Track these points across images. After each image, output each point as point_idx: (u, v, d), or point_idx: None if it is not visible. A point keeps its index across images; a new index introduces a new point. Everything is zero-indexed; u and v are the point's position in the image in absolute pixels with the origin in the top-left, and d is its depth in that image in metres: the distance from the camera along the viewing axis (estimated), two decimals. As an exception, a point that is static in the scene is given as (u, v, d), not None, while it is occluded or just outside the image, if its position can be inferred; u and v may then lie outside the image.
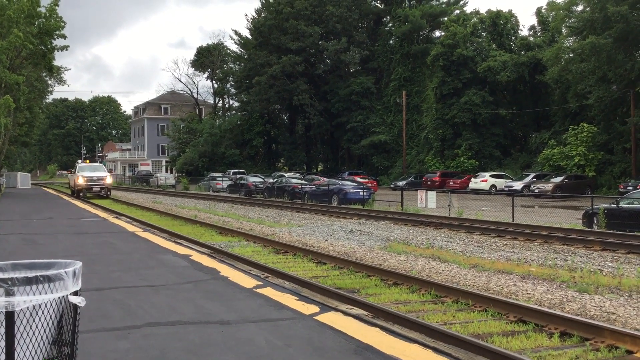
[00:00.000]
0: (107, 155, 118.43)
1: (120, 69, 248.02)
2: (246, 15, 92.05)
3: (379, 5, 71.39)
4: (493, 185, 44.14)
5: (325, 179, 39.99)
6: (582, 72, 42.87)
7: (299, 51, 66.24)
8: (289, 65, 65.01)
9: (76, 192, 38.09)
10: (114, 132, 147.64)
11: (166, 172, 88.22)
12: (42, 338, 2.73)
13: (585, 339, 6.77)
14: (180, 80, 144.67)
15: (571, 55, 44.34)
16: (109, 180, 39.66)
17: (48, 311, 2.74)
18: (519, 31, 57.56)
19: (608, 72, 41.11)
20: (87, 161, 47.80)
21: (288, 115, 77.30)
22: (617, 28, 38.37)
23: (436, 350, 5.06)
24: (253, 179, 47.90)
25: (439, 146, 55.66)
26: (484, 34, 56.38)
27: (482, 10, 59.79)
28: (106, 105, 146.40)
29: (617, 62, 39.81)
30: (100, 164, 44.62)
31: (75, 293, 2.89)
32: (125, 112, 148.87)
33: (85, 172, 38.70)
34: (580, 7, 45.63)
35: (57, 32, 37.69)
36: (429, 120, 57.33)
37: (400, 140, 59.57)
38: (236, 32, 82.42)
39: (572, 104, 45.83)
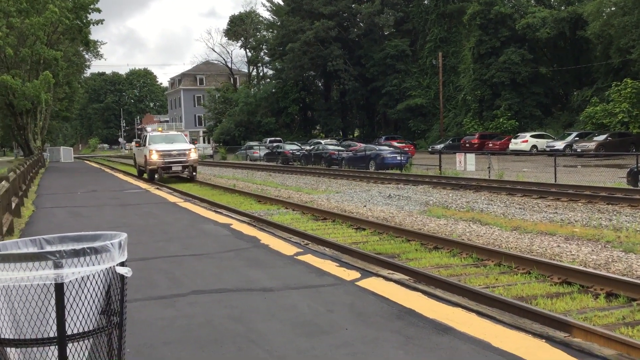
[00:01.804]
0: (146, 128, 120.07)
1: (154, 41, 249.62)
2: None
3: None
4: (534, 146, 43.29)
5: (362, 145, 39.77)
6: (625, 25, 41.28)
7: (332, 15, 65.42)
8: (322, 30, 64.34)
9: (149, 174, 26.77)
10: (151, 105, 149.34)
11: (204, 142, 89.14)
12: (91, 308, 2.80)
13: (632, 299, 6.65)
14: (214, 50, 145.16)
15: (613, 8, 42.72)
16: (193, 155, 27.28)
17: (96, 282, 2.80)
18: (559, -15, 55.62)
19: (653, 25, 39.51)
20: (160, 129, 35.45)
21: (323, 82, 76.82)
22: (663, -23, 36.71)
23: (479, 313, 5.03)
24: (290, 147, 47.96)
25: (477, 107, 54.69)
26: (522, -11, 54.68)
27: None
28: (143, 78, 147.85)
29: (663, 14, 38.21)
30: (179, 133, 31.81)
31: (122, 264, 2.94)
32: (161, 84, 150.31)
33: (160, 145, 26.87)
34: (623, -42, 43.76)
35: (91, 7, 37.99)
36: (466, 82, 56.27)
37: (437, 103, 58.74)
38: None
39: (615, 60, 44.32)
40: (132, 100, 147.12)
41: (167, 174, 26.67)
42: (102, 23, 39.46)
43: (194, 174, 27.29)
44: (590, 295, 6.98)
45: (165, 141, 27.43)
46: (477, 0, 53.59)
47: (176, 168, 26.51)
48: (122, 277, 2.94)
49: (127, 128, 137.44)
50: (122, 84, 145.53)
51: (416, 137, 62.40)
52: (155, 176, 26.23)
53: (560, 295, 7.05)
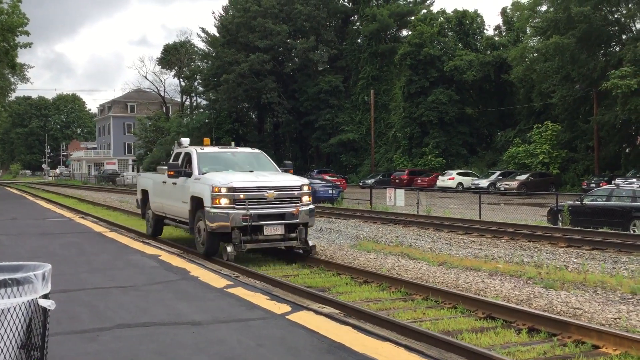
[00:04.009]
0: (72, 154, 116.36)
1: (83, 66, 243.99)
2: (213, 12, 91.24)
3: (346, 4, 71.55)
4: (460, 183, 44.65)
5: (295, 178, 39.67)
6: (546, 71, 43.66)
7: (267, 49, 65.99)
8: (257, 63, 64.73)
9: (206, 241, 11.94)
10: (78, 131, 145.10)
11: (133, 171, 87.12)
12: (10, 342, 2.67)
13: (552, 335, 6.89)
14: (146, 78, 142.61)
15: (535, 54, 45.12)
16: (306, 199, 12.32)
17: (17, 315, 2.69)
18: (485, 31, 58.33)
19: (571, 72, 41.92)
20: (207, 143, 15.17)
21: (256, 114, 76.94)
22: (580, 28, 39.15)
23: (408, 348, 5.10)
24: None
25: (406, 144, 56.06)
26: (450, 33, 56.95)
27: (449, 10, 60.44)
28: (70, 104, 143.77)
29: (580, 62, 40.64)
30: (257, 151, 14.64)
31: (45, 296, 2.84)
32: (90, 110, 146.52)
33: (233, 176, 12.19)
34: (544, 8, 46.47)
35: (19, 29, 36.86)
36: (396, 119, 57.69)
37: (369, 138, 59.81)
38: (203, 30, 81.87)
39: (537, 103, 46.62)
40: (58, 126, 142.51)
41: (255, 245, 11.83)
42: (30, 46, 38.28)
43: (310, 243, 12.31)
44: (513, 330, 7.19)
45: (237, 167, 13.21)
46: (408, 41, 55.44)
47: (274, 231, 11.84)
48: (45, 310, 2.84)
49: (51, 154, 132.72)
50: (48, 109, 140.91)
51: (348, 171, 63.23)
52: (229, 249, 11.40)
53: (484, 329, 7.23)
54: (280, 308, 6.46)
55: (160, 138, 75.94)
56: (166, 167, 13.80)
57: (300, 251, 12.42)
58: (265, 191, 11.62)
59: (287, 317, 6.10)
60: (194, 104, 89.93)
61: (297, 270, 11.55)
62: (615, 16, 42.57)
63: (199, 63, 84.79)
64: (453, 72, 50.72)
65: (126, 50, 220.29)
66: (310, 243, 12.21)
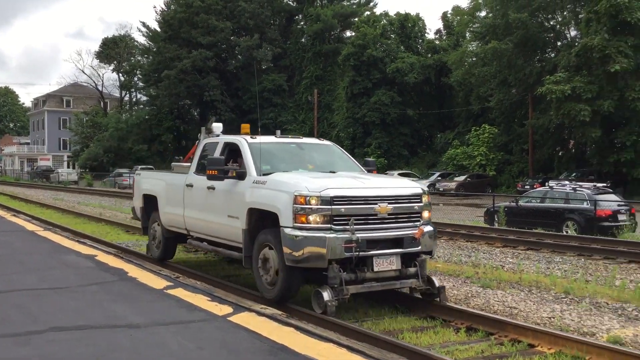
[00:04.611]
0: (3, 150, 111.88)
1: (17, 59, 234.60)
2: (155, 7, 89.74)
3: (291, 3, 71.50)
4: (401, 184, 45.26)
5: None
6: (484, 75, 44.85)
7: (210, 46, 65.23)
8: (200, 60, 63.90)
9: (283, 276, 7.59)
10: (11, 125, 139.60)
11: (68, 167, 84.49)
12: None
13: (490, 334, 7.06)
14: (84, 72, 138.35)
15: (474, 59, 46.26)
16: (427, 214, 8.19)
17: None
18: (426, 34, 59.34)
19: (508, 76, 43.23)
20: (246, 130, 9.96)
21: (199, 111, 75.85)
22: (518, 34, 40.41)
23: (350, 348, 5.12)
24: (162, 176, 46.62)
25: (349, 144, 56.42)
26: (392, 35, 57.66)
27: (392, 13, 61.16)
28: (3, 97, 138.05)
29: (517, 67, 41.95)
30: (331, 144, 10.22)
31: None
32: (23, 104, 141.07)
33: (322, 180, 7.78)
34: (483, 13, 47.73)
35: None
36: (340, 119, 58.03)
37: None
38: (144, 24, 79.94)
39: (475, 106, 47.80)
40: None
41: (360, 287, 7.57)
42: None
43: (435, 282, 8.09)
44: (452, 329, 7.33)
45: (309, 165, 9.27)
46: (351, 42, 55.83)
47: (387, 265, 7.66)
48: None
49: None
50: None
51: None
52: (325, 296, 7.19)
53: (424, 329, 7.33)
54: (221, 309, 6.37)
55: (98, 134, 73.94)
56: (188, 164, 10.37)
57: (418, 294, 8.19)
58: (375, 203, 7.52)
59: (228, 318, 6.02)
60: (134, 99, 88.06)
61: (241, 270, 11.41)
62: (551, 23, 44.18)
63: (139, 58, 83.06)
64: (395, 74, 51.40)
65: (63, 42, 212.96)
66: (436, 281, 8.04)
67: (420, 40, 58.08)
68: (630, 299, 8.67)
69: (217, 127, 10.24)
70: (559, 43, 44.24)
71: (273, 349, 5.01)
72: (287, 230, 7.31)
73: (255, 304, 6.89)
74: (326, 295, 7.14)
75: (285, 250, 7.32)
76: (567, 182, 22.64)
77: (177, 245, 11.33)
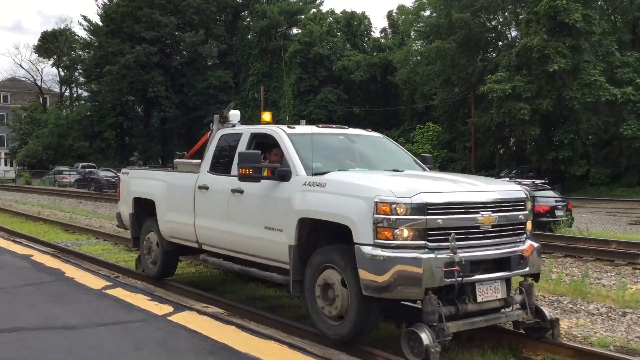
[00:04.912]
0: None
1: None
2: (96, 0, 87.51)
3: (237, -1, 71.05)
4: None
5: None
6: (429, 74, 45.62)
7: (154, 41, 64.09)
8: (143, 55, 62.70)
9: (356, 315, 5.77)
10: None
11: (6, 165, 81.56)
12: None
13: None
14: (22, 67, 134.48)
15: (419, 58, 46.99)
16: (529, 223, 6.51)
17: None
18: (372, 33, 59.91)
19: (452, 75, 44.09)
20: (268, 119, 8.98)
21: (142, 108, 74.48)
22: (461, 34, 41.25)
23: (291, 345, 5.12)
24: (104, 173, 45.72)
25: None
26: (339, 33, 57.98)
27: (338, 11, 61.56)
28: None
29: (460, 66, 42.82)
30: (383, 137, 8.45)
31: None
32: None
33: (406, 181, 6.26)
34: (427, 13, 48.50)
35: None
36: (286, 117, 57.93)
37: (258, 135, 59.64)
38: (85, 18, 77.62)
39: (420, 104, 48.56)
40: None
41: (462, 325, 5.75)
42: None
43: (546, 313, 6.33)
44: (394, 325, 7.38)
45: (365, 162, 7.51)
46: (298, 40, 55.86)
47: (492, 293, 5.94)
48: None
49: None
50: None
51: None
52: (425, 339, 5.29)
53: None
54: (162, 309, 6.27)
55: (37, 130, 71.61)
56: (197, 161, 8.70)
57: (521, 329, 6.44)
58: (477, 212, 5.86)
59: (168, 318, 5.93)
60: (75, 95, 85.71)
61: (183, 268, 11.27)
62: (493, 24, 45.30)
63: (80, 52, 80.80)
64: (341, 72, 51.68)
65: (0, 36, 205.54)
66: (547, 312, 6.33)
67: (366, 39, 58.60)
68: (566, 292, 8.97)
69: (235, 115, 8.77)
70: (500, 43, 45.40)
71: (214, 348, 4.96)
72: (366, 249, 5.50)
73: (196, 302, 6.82)
74: (425, 337, 5.27)
75: (363, 275, 5.50)
76: (507, 179, 23.23)
77: (178, 259, 9.67)
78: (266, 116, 8.88)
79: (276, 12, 62.03)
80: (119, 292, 7.08)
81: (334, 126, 8.17)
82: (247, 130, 7.79)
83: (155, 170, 10.74)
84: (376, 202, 5.49)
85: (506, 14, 44.43)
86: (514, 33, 44.65)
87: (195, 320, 5.84)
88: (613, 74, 34.75)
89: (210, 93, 64.16)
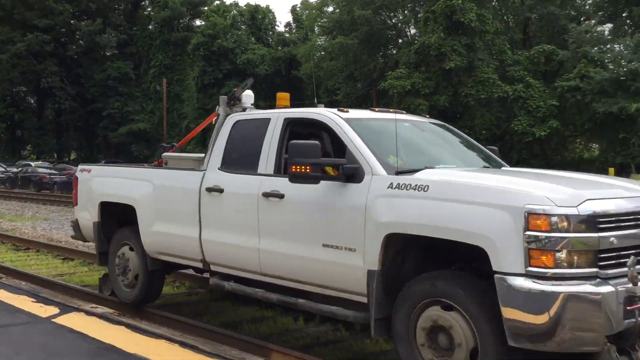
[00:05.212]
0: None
1: None
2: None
3: (137, -13, 68.89)
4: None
5: (78, 169, 37.28)
6: (332, 69, 46.15)
7: (48, 29, 61.02)
8: (36, 44, 59.57)
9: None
10: None
11: None
12: None
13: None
14: None
15: (322, 53, 47.46)
16: None
17: None
18: (276, 27, 59.86)
19: (354, 71, 44.82)
20: (285, 103, 7.63)
21: (35, 99, 70.80)
22: (362, 30, 42.01)
23: (183, 344, 5.05)
24: (44, 170, 43.25)
25: (201, 135, 55.60)
26: (243, 27, 57.50)
27: (242, 4, 61.15)
28: None
29: (362, 62, 43.61)
30: (443, 124, 6.91)
31: None
32: None
33: (550, 182, 4.44)
34: (331, 8, 49.03)
35: None
36: (190, 110, 56.91)
37: (161, 129, 58.14)
38: (-29, 3, 72.85)
39: (324, 99, 48.96)
40: None
41: None
42: None
43: None
44: (291, 318, 7.42)
45: (435, 155, 5.96)
46: (201, 32, 54.93)
47: None
48: None
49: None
50: None
51: (139, 162, 60.91)
52: None
53: (264, 319, 7.37)
54: (47, 311, 6.01)
55: None
56: (198, 155, 7.41)
57: None
58: None
59: (53, 320, 5.69)
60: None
61: (75, 268, 10.82)
62: (393, 21, 46.44)
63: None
64: (246, 65, 51.29)
65: None
66: None
67: (270, 33, 58.47)
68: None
69: (248, 96, 7.36)
70: (400, 40, 46.60)
71: (100, 350, 4.81)
72: (515, 281, 3.86)
73: (85, 303, 6.59)
74: None
75: (510, 315, 3.85)
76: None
77: (164, 279, 7.63)
78: (283, 99, 7.09)
79: (178, 3, 60.74)
80: (1, 294, 6.71)
81: (391, 110, 6.34)
82: (278, 115, 5.91)
83: (135, 167, 8.33)
84: (528, 214, 3.87)
85: (406, 12, 45.65)
86: (413, 31, 45.98)
87: (82, 321, 5.64)
88: (505, 72, 36.52)
89: (109, 84, 61.92)
